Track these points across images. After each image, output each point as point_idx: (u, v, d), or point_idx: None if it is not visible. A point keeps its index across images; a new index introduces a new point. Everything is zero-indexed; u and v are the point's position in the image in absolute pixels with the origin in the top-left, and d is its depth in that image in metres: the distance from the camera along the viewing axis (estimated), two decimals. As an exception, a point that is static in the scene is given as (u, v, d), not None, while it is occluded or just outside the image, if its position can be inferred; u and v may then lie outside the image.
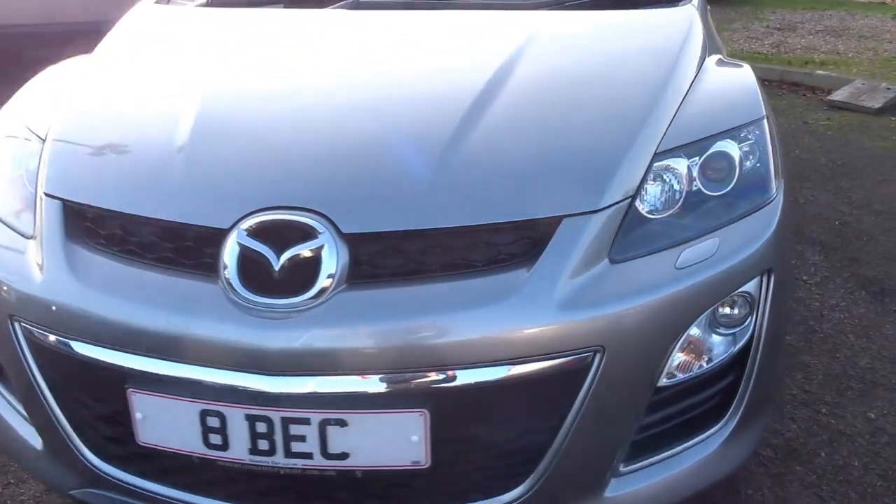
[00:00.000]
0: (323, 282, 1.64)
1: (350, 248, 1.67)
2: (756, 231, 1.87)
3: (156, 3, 2.86)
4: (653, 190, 1.84)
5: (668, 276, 1.75)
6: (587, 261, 1.70)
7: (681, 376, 1.81)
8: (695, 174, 1.89)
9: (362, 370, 1.63)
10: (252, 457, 1.69)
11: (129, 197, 1.81)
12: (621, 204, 1.77)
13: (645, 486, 1.82)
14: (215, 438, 1.69)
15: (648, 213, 1.82)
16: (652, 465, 1.85)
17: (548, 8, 2.60)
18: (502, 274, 1.67)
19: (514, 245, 1.71)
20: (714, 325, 1.84)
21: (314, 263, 1.65)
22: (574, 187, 1.78)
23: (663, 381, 1.79)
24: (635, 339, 1.71)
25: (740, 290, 1.84)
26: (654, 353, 1.74)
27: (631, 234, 1.78)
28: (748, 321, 1.87)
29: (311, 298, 1.64)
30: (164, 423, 1.71)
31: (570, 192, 1.77)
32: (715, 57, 2.38)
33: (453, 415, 1.67)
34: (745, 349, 1.89)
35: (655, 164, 1.85)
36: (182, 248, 1.74)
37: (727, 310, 1.85)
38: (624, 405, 1.75)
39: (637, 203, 1.80)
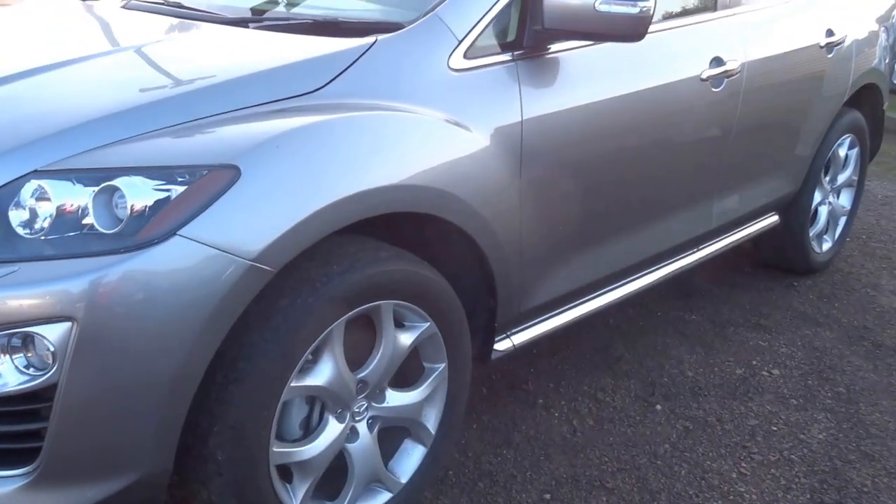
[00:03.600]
0: None
1: None
2: (66, 273, 1.67)
3: None
4: (28, 208, 1.74)
5: None
6: None
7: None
8: (88, 204, 1.73)
9: None
10: None
11: None
12: None
13: None
14: None
15: (19, 226, 1.73)
16: None
17: (248, 26, 2.42)
18: None
19: None
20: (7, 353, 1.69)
21: None
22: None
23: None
24: None
25: (26, 329, 1.66)
26: None
27: None
28: (48, 370, 1.68)
29: None
30: None
31: None
32: (358, 112, 2.03)
33: None
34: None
35: (34, 181, 1.74)
36: None
37: (20, 344, 1.69)
38: None
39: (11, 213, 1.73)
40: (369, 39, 2.15)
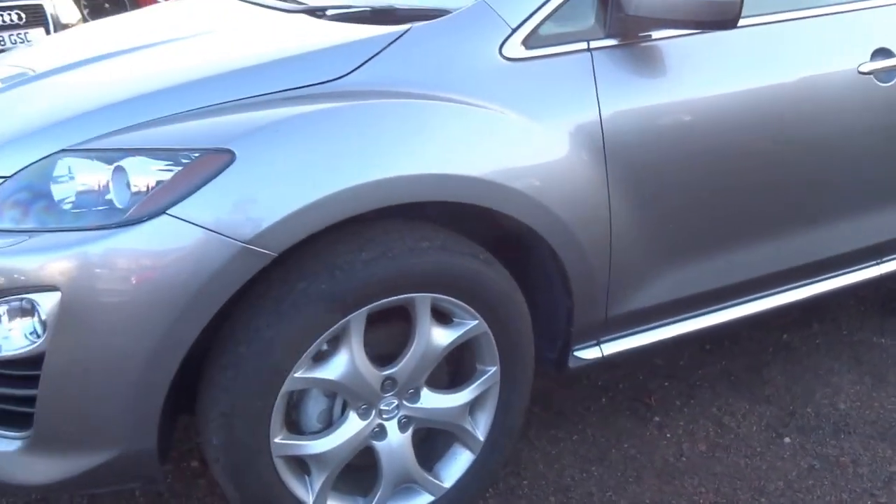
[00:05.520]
0: None
1: None
2: (55, 245, 1.76)
3: None
4: (61, 183, 1.84)
5: None
6: None
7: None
8: (108, 180, 1.82)
9: None
10: None
11: None
12: None
13: None
14: None
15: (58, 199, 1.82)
16: None
17: (316, 14, 2.45)
18: None
19: None
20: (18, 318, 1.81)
21: None
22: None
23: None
24: None
25: (27, 296, 1.77)
26: None
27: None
28: (41, 338, 1.79)
29: None
30: None
31: None
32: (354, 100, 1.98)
33: None
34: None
35: (63, 157, 1.84)
36: None
37: (31, 308, 1.79)
38: None
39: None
40: (403, 27, 2.10)
